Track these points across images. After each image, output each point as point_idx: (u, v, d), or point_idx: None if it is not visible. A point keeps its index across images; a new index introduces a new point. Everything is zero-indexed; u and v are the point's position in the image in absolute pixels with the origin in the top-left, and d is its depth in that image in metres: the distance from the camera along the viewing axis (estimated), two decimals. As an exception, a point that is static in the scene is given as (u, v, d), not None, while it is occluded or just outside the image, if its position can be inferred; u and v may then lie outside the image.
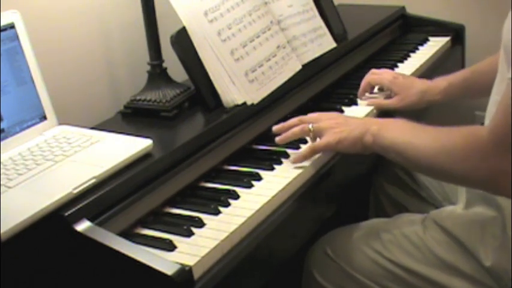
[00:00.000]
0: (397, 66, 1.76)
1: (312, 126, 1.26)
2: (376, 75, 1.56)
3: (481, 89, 1.36)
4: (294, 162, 1.25)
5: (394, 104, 1.51)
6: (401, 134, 1.16)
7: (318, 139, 1.26)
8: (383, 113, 1.51)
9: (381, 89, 1.58)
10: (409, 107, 1.51)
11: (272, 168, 1.24)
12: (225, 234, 1.03)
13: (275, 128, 1.30)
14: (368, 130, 1.20)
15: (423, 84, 1.54)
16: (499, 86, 1.14)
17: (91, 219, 1.00)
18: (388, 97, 1.54)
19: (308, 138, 1.29)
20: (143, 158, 1.15)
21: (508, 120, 0.98)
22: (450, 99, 1.54)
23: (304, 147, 1.24)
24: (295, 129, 1.27)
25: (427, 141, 1.11)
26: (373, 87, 1.57)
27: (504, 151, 0.98)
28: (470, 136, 1.05)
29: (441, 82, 1.52)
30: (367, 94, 1.56)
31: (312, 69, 1.56)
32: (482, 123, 1.22)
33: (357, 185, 1.48)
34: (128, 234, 1.05)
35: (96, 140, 1.20)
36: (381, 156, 1.22)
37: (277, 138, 1.28)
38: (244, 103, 1.35)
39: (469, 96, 1.57)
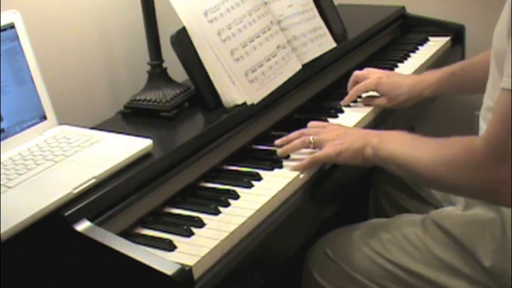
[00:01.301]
0: (397, 66, 1.76)
1: (313, 139, 1.26)
2: (360, 79, 1.52)
3: (474, 83, 1.35)
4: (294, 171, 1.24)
5: (383, 104, 1.49)
6: (400, 146, 1.16)
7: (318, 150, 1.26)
8: (381, 113, 1.51)
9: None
10: (400, 106, 1.50)
11: (272, 168, 1.24)
12: (225, 234, 1.03)
13: (277, 141, 1.31)
14: (369, 143, 1.20)
15: (410, 80, 1.51)
16: (491, 91, 1.14)
17: (91, 219, 1.00)
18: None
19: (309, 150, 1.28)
20: (143, 158, 1.15)
21: (502, 130, 0.97)
22: (441, 93, 1.53)
23: (304, 158, 1.24)
24: (296, 142, 1.27)
25: (425, 153, 1.11)
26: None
27: (499, 160, 0.98)
28: (466, 146, 1.05)
29: (431, 76, 1.51)
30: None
31: (312, 69, 1.56)
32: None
33: (357, 185, 1.47)
34: (128, 234, 1.05)
35: (96, 140, 1.20)
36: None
37: (278, 151, 1.28)
38: (244, 103, 1.35)
39: (462, 91, 1.55)
